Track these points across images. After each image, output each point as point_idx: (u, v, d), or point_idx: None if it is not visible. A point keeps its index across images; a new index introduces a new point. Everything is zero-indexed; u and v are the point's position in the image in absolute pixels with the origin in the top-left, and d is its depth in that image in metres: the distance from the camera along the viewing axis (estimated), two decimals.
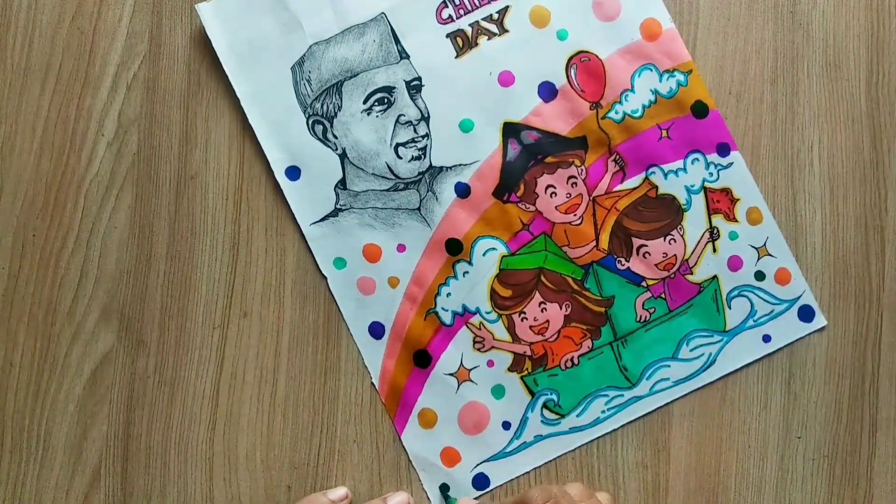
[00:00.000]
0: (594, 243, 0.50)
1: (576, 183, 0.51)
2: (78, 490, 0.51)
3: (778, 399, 0.50)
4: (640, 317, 0.50)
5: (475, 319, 0.50)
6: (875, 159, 0.51)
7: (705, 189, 0.50)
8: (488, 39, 0.51)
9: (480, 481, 0.50)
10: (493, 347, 0.50)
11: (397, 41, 0.51)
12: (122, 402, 0.51)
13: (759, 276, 0.50)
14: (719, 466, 0.50)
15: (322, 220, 0.51)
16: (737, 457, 0.50)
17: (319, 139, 0.51)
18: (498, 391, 0.50)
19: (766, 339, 0.50)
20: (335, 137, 0.51)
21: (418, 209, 0.51)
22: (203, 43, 0.52)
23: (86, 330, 0.51)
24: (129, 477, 0.51)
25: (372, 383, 0.50)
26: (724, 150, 0.50)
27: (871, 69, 0.51)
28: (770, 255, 0.50)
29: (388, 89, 0.51)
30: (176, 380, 0.51)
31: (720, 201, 0.50)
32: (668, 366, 0.50)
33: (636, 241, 0.50)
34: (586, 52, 0.51)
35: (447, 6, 0.51)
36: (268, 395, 0.51)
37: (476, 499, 0.50)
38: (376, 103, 0.51)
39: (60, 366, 0.51)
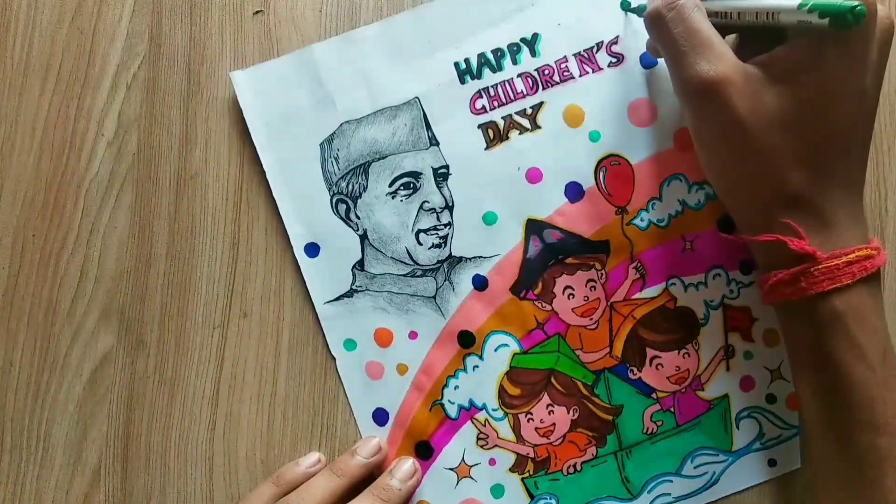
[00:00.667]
0: (608, 350, 0.50)
1: (594, 287, 0.50)
2: (78, 490, 0.50)
3: None
4: (648, 428, 0.50)
5: (481, 415, 0.50)
6: (875, 159, 0.51)
7: (724, 306, 0.50)
8: (519, 134, 0.51)
9: None
10: (496, 446, 0.50)
11: (428, 127, 0.51)
12: (122, 402, 0.51)
13: (771, 398, 0.50)
14: None
15: (336, 299, 0.51)
16: None
17: (342, 218, 0.51)
18: (497, 491, 0.50)
19: (772, 463, 0.50)
20: (357, 218, 0.51)
21: (434, 297, 0.50)
22: (203, 44, 0.52)
23: (86, 330, 0.51)
24: (129, 477, 0.50)
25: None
26: (746, 267, 0.50)
27: None
28: (783, 378, 0.50)
29: (415, 174, 0.50)
30: (176, 380, 0.51)
31: (738, 319, 0.50)
32: (671, 481, 0.49)
33: (650, 352, 0.50)
34: (617, 155, 0.50)
35: (482, 96, 0.51)
36: (268, 395, 0.51)
37: None
38: (402, 187, 0.50)
39: (60, 366, 0.51)
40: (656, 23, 0.43)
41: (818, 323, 0.41)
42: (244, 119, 0.51)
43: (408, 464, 0.49)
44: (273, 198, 0.51)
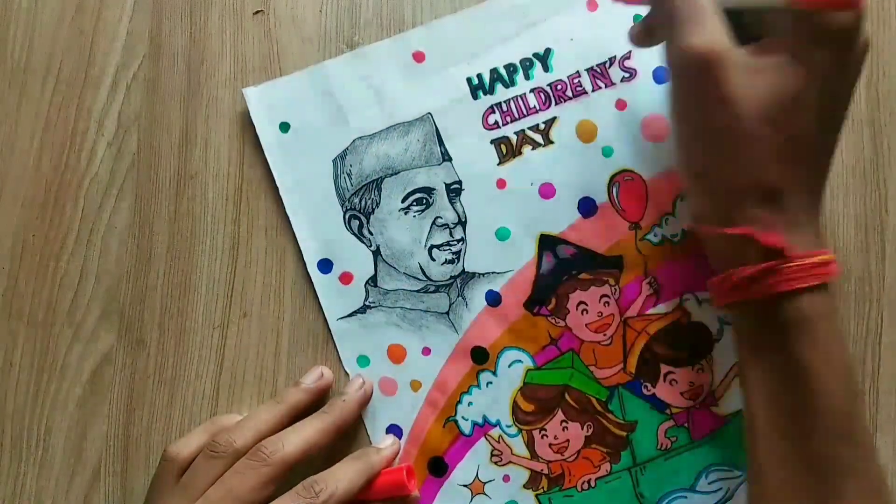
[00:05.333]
0: (622, 366, 0.50)
1: (608, 302, 0.50)
2: (78, 490, 0.50)
3: None
4: (662, 444, 0.50)
5: (495, 432, 0.50)
6: (875, 159, 0.51)
7: None
8: (532, 149, 0.51)
9: None
10: (510, 462, 0.50)
11: (441, 143, 0.51)
12: (122, 402, 0.51)
13: None
14: None
15: (350, 315, 0.50)
16: None
17: (354, 234, 0.51)
18: None
19: None
20: (370, 234, 0.51)
21: (447, 313, 0.50)
22: (203, 44, 0.52)
23: (86, 330, 0.51)
24: (129, 477, 0.50)
25: None
26: None
27: (871, 69, 0.51)
28: None
29: (428, 190, 0.50)
30: (176, 380, 0.51)
31: None
32: (685, 497, 0.49)
33: (664, 368, 0.50)
34: (630, 171, 0.50)
35: (494, 112, 0.51)
36: (268, 395, 0.50)
37: None
38: (414, 203, 0.50)
39: (60, 366, 0.51)
40: None
41: (783, 324, 0.40)
42: (246, 121, 0.51)
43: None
44: (273, 198, 0.51)
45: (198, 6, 0.52)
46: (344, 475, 0.46)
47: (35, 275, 0.51)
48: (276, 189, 0.51)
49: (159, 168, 0.52)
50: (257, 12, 0.52)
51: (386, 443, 0.49)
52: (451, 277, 0.50)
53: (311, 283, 0.51)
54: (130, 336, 0.51)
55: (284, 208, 0.51)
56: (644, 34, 0.46)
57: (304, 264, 0.51)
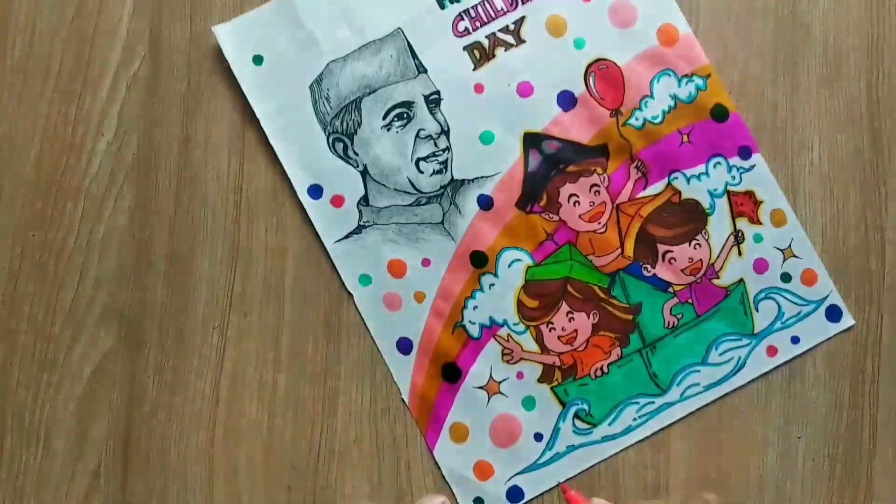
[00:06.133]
0: (619, 251, 0.50)
1: (598, 191, 0.50)
2: (78, 490, 0.51)
3: (778, 399, 0.50)
4: (668, 323, 0.50)
5: (503, 332, 0.50)
6: (875, 159, 0.51)
7: (728, 193, 0.50)
8: (505, 51, 0.51)
9: (515, 494, 0.50)
10: (521, 359, 0.50)
11: (414, 56, 0.51)
12: (122, 402, 0.51)
13: (786, 277, 0.50)
14: (719, 467, 0.50)
15: (346, 237, 0.51)
16: (737, 457, 0.50)
17: (340, 157, 0.51)
18: (529, 403, 0.50)
19: (795, 340, 0.50)
20: (356, 154, 0.51)
21: (441, 223, 0.51)
22: (203, 43, 0.52)
23: (86, 330, 0.51)
24: (129, 477, 0.51)
25: (402, 399, 0.50)
26: (745, 153, 0.50)
27: (871, 69, 0.51)
28: (795, 256, 0.50)
29: (407, 104, 0.51)
30: (176, 380, 0.51)
31: (744, 204, 0.50)
32: (699, 371, 0.50)
33: (661, 248, 0.50)
34: (604, 59, 0.51)
35: (463, 19, 0.51)
36: (268, 395, 0.51)
37: None
38: (396, 119, 0.51)
39: (60, 366, 0.51)
40: None
41: None
42: (248, 120, 0.51)
43: (438, 500, 0.44)
44: (274, 198, 0.51)
45: (198, 6, 0.52)
46: None
47: (35, 275, 0.51)
48: (277, 189, 0.51)
49: (159, 168, 0.52)
50: None
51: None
52: (442, 187, 0.51)
53: (313, 282, 0.51)
54: (130, 336, 0.51)
55: (285, 207, 0.51)
56: None
57: (305, 263, 0.51)
